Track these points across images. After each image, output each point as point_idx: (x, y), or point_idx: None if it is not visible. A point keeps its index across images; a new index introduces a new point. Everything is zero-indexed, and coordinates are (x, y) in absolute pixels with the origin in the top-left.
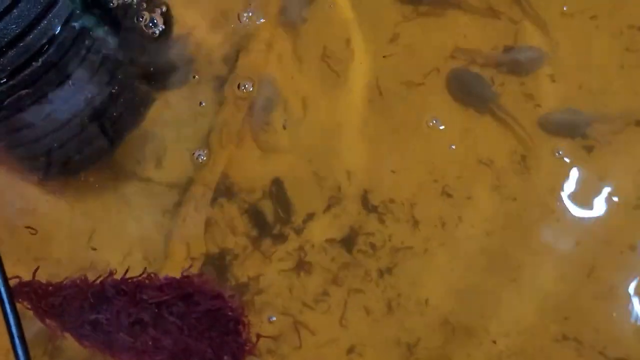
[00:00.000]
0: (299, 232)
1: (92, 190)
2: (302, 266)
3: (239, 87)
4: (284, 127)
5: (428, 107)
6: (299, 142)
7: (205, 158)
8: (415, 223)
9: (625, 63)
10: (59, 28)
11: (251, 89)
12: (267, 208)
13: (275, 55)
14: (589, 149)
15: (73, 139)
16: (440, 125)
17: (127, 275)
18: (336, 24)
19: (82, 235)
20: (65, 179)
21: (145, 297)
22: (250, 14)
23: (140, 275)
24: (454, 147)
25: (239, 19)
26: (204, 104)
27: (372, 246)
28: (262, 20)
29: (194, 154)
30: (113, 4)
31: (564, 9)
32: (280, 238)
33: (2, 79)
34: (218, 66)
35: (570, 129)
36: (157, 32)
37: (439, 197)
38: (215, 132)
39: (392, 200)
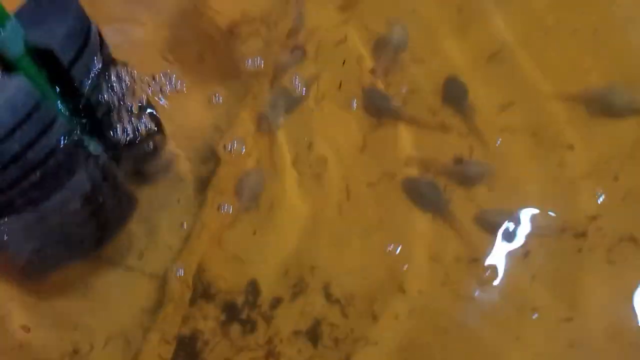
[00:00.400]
0: (267, 319)
1: (73, 284)
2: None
3: (219, 207)
4: (254, 234)
5: (388, 210)
6: (269, 244)
7: (183, 268)
8: (375, 318)
9: (559, 176)
10: (57, 143)
11: (231, 209)
12: (239, 300)
13: (253, 161)
14: (525, 253)
15: (59, 242)
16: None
17: None
18: (308, 131)
19: (65, 330)
20: (47, 275)
21: None
22: (235, 144)
23: None
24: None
25: (224, 148)
26: (185, 224)
27: (335, 339)
28: (243, 149)
29: (174, 265)
30: (113, 132)
31: (502, 134)
32: (249, 325)
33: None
34: (200, 170)
35: (507, 235)
36: (148, 148)
37: (395, 293)
38: (194, 232)
39: (352, 296)
